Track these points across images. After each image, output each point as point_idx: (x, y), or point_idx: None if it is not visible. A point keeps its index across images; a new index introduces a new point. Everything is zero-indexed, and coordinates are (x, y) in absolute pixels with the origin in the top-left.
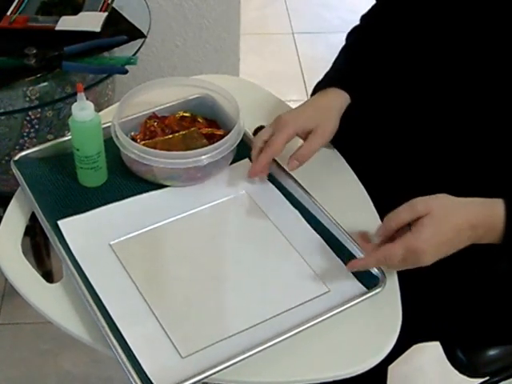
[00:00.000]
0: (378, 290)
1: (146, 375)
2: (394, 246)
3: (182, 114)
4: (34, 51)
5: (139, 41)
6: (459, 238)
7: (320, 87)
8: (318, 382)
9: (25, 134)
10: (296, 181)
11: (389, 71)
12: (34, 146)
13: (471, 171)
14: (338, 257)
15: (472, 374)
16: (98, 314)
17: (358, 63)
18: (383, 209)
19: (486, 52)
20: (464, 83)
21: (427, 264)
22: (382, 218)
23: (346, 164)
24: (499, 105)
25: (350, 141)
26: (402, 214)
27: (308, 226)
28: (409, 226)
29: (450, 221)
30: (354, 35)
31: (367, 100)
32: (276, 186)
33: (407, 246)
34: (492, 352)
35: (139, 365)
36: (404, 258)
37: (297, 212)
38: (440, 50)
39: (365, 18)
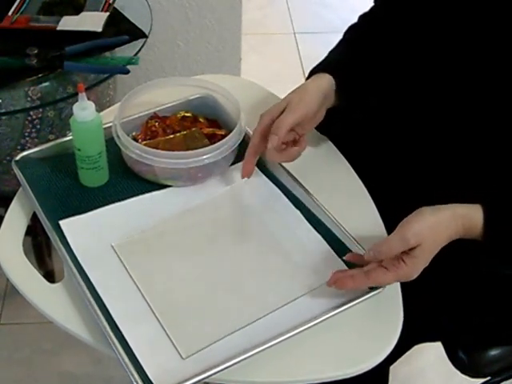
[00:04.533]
0: (379, 290)
1: (147, 375)
2: (387, 275)
3: (183, 113)
4: (36, 51)
5: (141, 41)
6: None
7: (307, 78)
8: (319, 382)
9: (26, 134)
10: (297, 180)
11: (386, 70)
12: (35, 146)
13: (469, 170)
14: (340, 257)
15: (474, 375)
16: (100, 314)
17: (348, 53)
18: (384, 206)
19: (486, 52)
20: (464, 82)
21: None
22: (382, 216)
23: (345, 160)
24: (499, 103)
25: (350, 139)
26: (395, 248)
27: (309, 225)
28: None
29: (439, 246)
30: (351, 32)
31: (355, 88)
32: (277, 186)
33: (400, 277)
34: (494, 352)
35: (140, 365)
36: (394, 281)
37: (298, 212)
38: (440, 50)
39: (364, 17)
